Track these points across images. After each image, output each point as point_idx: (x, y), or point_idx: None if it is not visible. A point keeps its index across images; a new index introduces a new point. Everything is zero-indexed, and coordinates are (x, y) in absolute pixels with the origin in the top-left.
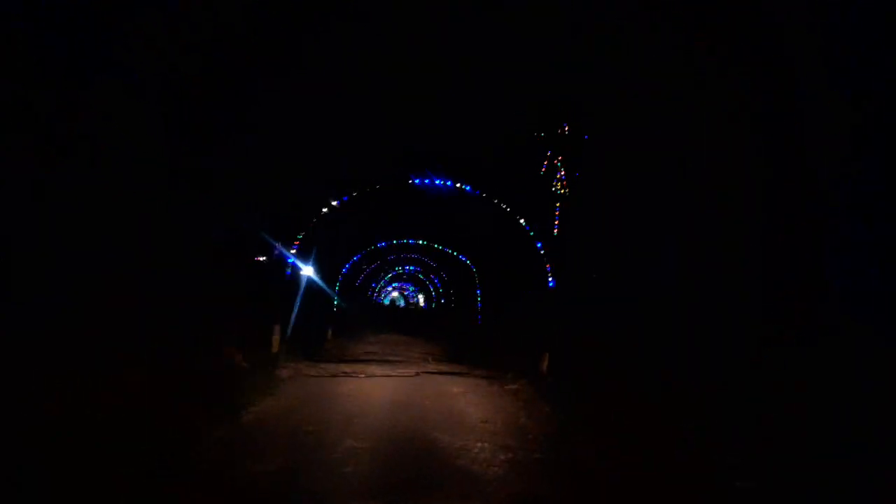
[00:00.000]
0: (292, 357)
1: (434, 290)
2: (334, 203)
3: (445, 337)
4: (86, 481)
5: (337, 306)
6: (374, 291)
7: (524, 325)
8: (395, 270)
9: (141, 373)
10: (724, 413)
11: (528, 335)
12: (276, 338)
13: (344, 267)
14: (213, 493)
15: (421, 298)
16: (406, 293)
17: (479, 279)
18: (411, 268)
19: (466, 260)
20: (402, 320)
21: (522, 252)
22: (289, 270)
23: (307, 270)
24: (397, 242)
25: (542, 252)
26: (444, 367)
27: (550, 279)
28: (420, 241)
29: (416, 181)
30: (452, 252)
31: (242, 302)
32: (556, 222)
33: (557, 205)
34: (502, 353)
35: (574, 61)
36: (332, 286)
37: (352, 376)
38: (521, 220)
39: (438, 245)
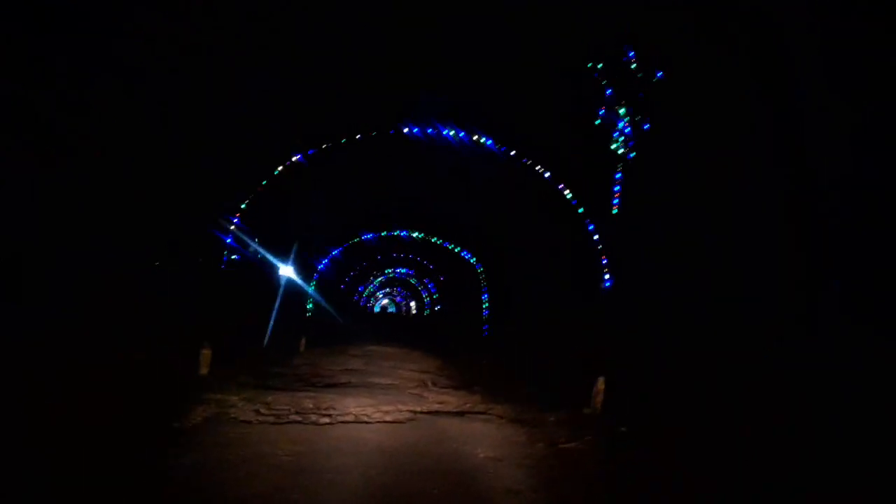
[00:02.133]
0: (232, 382)
1: (428, 296)
2: (295, 158)
3: (445, 349)
4: None
5: (312, 310)
6: (361, 296)
7: (557, 337)
8: (385, 274)
9: None
10: None
11: (562, 350)
12: (205, 353)
13: (320, 261)
14: None
15: (413, 305)
16: (397, 299)
17: (487, 281)
18: (403, 270)
19: (470, 258)
20: (394, 328)
21: (561, 238)
22: (225, 254)
23: (256, 257)
24: (387, 235)
25: (594, 238)
26: (450, 399)
27: (606, 276)
28: (415, 235)
29: (415, 130)
30: (453, 248)
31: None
32: (617, 195)
33: (619, 170)
34: (523, 375)
35: None
36: (306, 281)
37: (309, 420)
38: (567, 193)
39: (437, 238)
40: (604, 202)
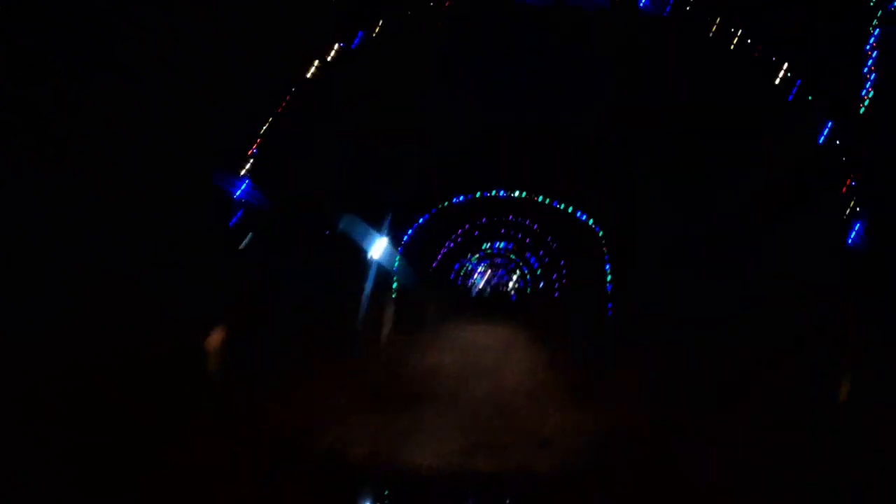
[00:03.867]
0: None
1: (529, 272)
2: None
3: (558, 340)
4: None
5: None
6: (458, 275)
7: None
8: (482, 250)
9: None
10: None
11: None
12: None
13: (405, 231)
14: None
15: (513, 282)
16: (496, 277)
17: (609, 248)
18: (502, 245)
19: (588, 220)
20: (492, 312)
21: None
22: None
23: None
24: (482, 196)
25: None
26: None
27: (855, 221)
28: (516, 194)
29: None
30: (567, 208)
31: None
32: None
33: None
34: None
35: None
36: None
37: None
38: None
39: (545, 198)
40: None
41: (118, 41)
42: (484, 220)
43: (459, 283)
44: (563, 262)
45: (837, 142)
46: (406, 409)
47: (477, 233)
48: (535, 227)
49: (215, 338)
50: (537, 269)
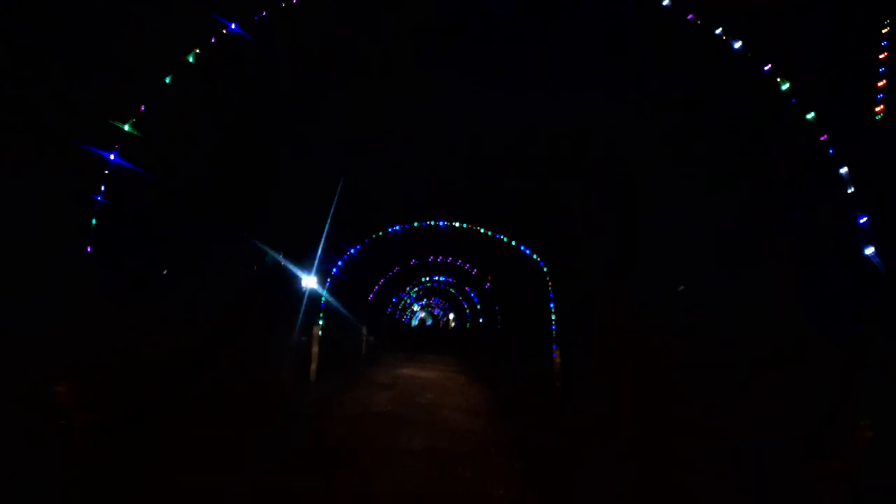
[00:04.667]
0: None
1: (470, 307)
2: None
3: (500, 380)
4: None
5: (323, 326)
6: (396, 309)
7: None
8: (421, 283)
9: None
10: None
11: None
12: None
13: (334, 262)
14: None
15: (452, 317)
16: (435, 311)
17: (553, 283)
18: (442, 278)
19: (531, 253)
20: (432, 343)
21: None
22: None
23: None
24: (420, 226)
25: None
26: None
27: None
28: (455, 224)
29: None
30: (510, 241)
31: None
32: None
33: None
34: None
35: None
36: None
37: None
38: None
39: (485, 229)
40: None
41: (118, 41)
42: (422, 250)
43: (397, 315)
44: (503, 298)
45: (836, 142)
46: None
47: (415, 262)
48: (473, 268)
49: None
50: (478, 303)
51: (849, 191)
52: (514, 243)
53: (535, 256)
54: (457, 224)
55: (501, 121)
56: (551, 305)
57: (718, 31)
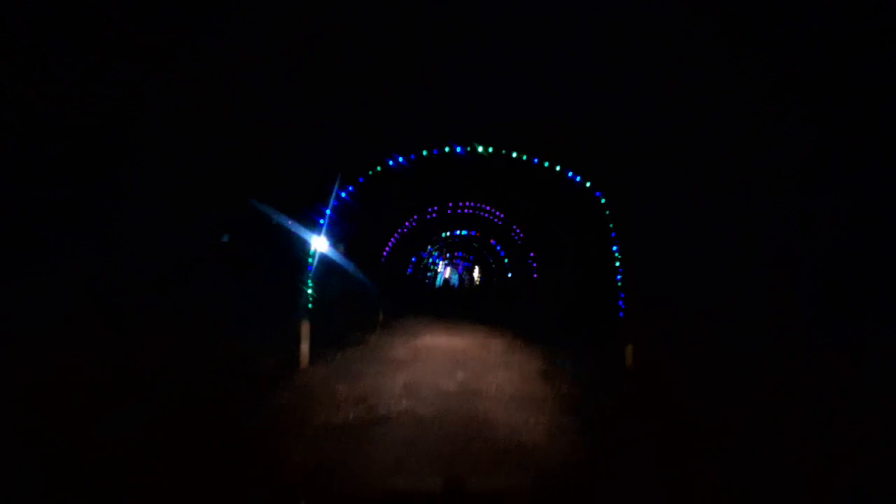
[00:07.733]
0: None
1: (494, 261)
2: None
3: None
4: None
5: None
6: (416, 269)
7: None
8: (441, 240)
9: None
10: None
11: None
12: None
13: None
14: None
15: (476, 275)
16: (458, 269)
17: (616, 220)
18: (464, 232)
19: (582, 180)
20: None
21: None
22: None
23: None
24: (431, 155)
25: None
26: None
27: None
28: (479, 149)
29: None
30: (553, 166)
31: None
32: None
33: None
34: None
35: None
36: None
37: None
38: None
39: (519, 153)
40: None
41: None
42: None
43: (419, 276)
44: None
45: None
46: None
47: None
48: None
49: None
50: (504, 257)
51: None
52: (557, 168)
53: (587, 185)
54: (480, 148)
55: None
56: (614, 249)
57: None
